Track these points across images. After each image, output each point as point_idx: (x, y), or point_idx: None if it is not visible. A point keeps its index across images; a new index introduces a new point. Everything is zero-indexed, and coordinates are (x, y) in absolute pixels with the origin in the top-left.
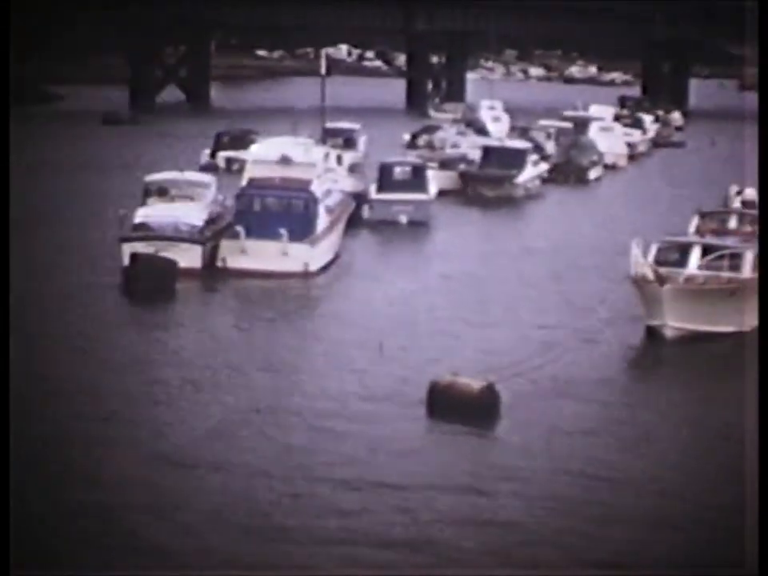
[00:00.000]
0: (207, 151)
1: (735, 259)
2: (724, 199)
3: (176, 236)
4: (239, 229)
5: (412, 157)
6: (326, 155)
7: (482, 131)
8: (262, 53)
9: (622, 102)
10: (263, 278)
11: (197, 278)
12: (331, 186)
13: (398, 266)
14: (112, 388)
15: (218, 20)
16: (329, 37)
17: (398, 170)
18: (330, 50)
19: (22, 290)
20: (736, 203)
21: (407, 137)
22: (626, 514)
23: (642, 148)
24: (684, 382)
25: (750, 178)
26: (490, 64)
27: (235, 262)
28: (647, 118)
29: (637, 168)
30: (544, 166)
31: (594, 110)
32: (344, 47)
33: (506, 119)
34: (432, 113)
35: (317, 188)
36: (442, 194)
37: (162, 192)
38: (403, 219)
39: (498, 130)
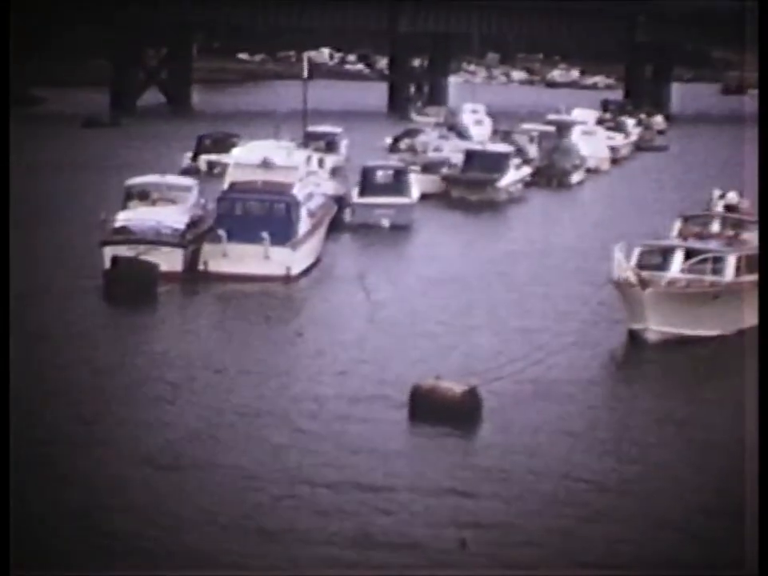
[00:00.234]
0: (189, 154)
1: (718, 263)
2: (707, 203)
3: (157, 239)
4: (221, 232)
5: (394, 160)
6: (308, 159)
7: (464, 135)
8: (243, 56)
9: (605, 105)
10: (245, 281)
11: (178, 281)
12: (313, 190)
13: (380, 269)
14: (93, 390)
15: (199, 23)
16: (311, 40)
17: (380, 173)
18: (312, 54)
19: None
20: (719, 207)
21: (389, 140)
22: (615, 515)
23: (624, 152)
24: (666, 385)
25: (750, 179)
26: (472, 67)
27: (217, 265)
28: (630, 122)
29: (619, 172)
30: (526, 170)
31: (577, 113)
32: (326, 50)
33: (488, 123)
34: (414, 116)
35: (298, 191)
36: (424, 197)
37: (143, 195)
38: (385, 223)
39: (481, 133)
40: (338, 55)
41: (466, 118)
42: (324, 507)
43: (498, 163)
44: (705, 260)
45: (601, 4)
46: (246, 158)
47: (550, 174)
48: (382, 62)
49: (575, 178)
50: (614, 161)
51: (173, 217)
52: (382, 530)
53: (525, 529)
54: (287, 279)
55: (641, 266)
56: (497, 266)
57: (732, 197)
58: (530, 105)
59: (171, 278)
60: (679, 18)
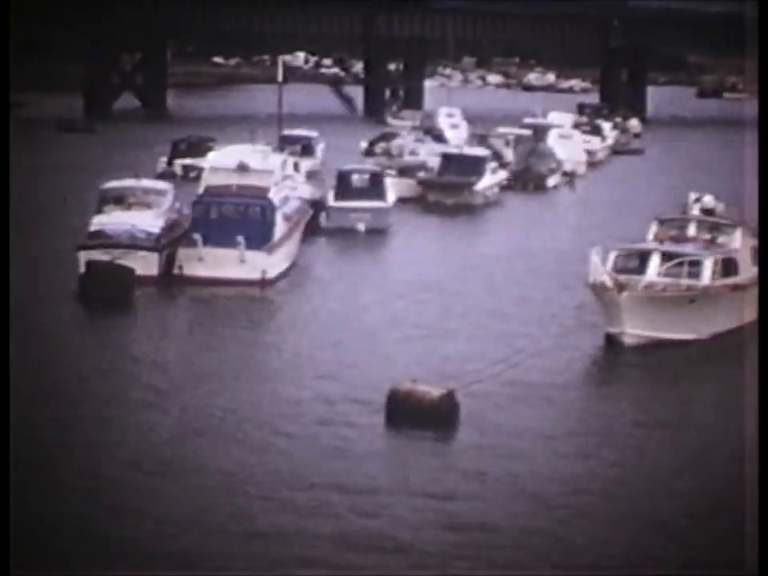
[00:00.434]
0: (164, 159)
1: (694, 266)
2: (683, 206)
3: (132, 243)
4: (196, 236)
5: (370, 164)
6: (284, 163)
7: (440, 138)
8: (218, 60)
9: (581, 109)
10: (220, 285)
11: (153, 285)
12: (289, 194)
13: (356, 273)
14: (69, 395)
15: (174, 27)
16: (286, 44)
17: (355, 177)
18: (287, 58)
19: None
20: (695, 210)
21: (365, 144)
22: (605, 517)
23: (601, 155)
24: (643, 387)
25: (750, 179)
26: (448, 71)
27: (192, 269)
28: (606, 125)
29: (596, 175)
30: (503, 174)
31: (553, 117)
32: (301, 54)
33: (464, 126)
34: (390, 120)
35: (274, 195)
36: (400, 201)
37: (118, 199)
38: (361, 227)
39: (457, 137)
40: (313, 59)
41: (442, 122)
42: (305, 509)
43: (474, 167)
44: (681, 263)
45: (576, 8)
46: (221, 162)
47: (527, 178)
48: (358, 66)
49: (551, 181)
50: (591, 164)
51: (148, 221)
52: (363, 531)
53: (506, 531)
54: (263, 283)
55: (617, 269)
56: (473, 270)
57: (708, 200)
58: (506, 108)
59: (147, 282)
60: (654, 22)
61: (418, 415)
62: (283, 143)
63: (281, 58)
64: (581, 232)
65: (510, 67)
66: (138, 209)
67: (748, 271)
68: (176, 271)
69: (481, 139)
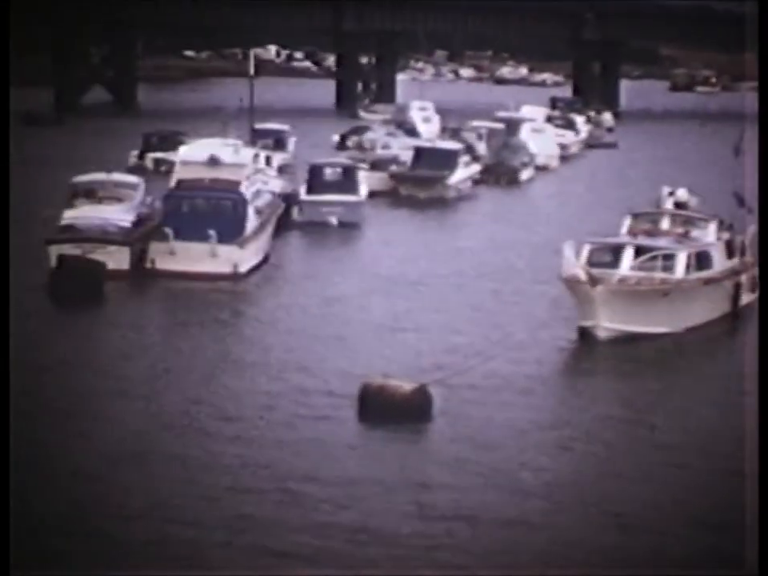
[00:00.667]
0: (135, 152)
1: (668, 260)
2: (656, 200)
3: (103, 237)
4: (168, 230)
5: (342, 158)
6: (256, 156)
7: (412, 132)
8: (189, 53)
9: (554, 102)
10: (192, 279)
11: (125, 279)
12: (261, 187)
13: (329, 267)
14: (39, 390)
15: (144, 20)
16: (257, 37)
17: (328, 171)
18: (259, 51)
19: None
20: (668, 204)
21: (337, 138)
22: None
23: (574, 149)
24: (617, 382)
25: (750, 177)
26: (420, 65)
27: (164, 263)
28: (579, 119)
29: (569, 169)
30: (475, 167)
31: (526, 110)
32: (273, 48)
33: (436, 120)
34: (362, 114)
35: (246, 189)
36: (373, 195)
37: (89, 193)
38: (333, 221)
39: (429, 130)
40: (284, 52)
41: (414, 116)
42: (280, 500)
43: (446, 160)
44: (655, 257)
45: (548, 2)
46: (192, 156)
47: (499, 172)
48: (330, 60)
49: (524, 175)
50: (564, 158)
51: (119, 215)
52: (339, 522)
53: (486, 522)
54: (235, 277)
55: (591, 263)
56: (447, 264)
57: (682, 194)
58: (478, 102)
59: (118, 276)
60: (626, 15)
61: (390, 409)
62: (255, 137)
63: (252, 52)
64: (554, 226)
65: (483, 61)
66: (109, 203)
67: (722, 265)
68: (147, 265)
69: (453, 133)
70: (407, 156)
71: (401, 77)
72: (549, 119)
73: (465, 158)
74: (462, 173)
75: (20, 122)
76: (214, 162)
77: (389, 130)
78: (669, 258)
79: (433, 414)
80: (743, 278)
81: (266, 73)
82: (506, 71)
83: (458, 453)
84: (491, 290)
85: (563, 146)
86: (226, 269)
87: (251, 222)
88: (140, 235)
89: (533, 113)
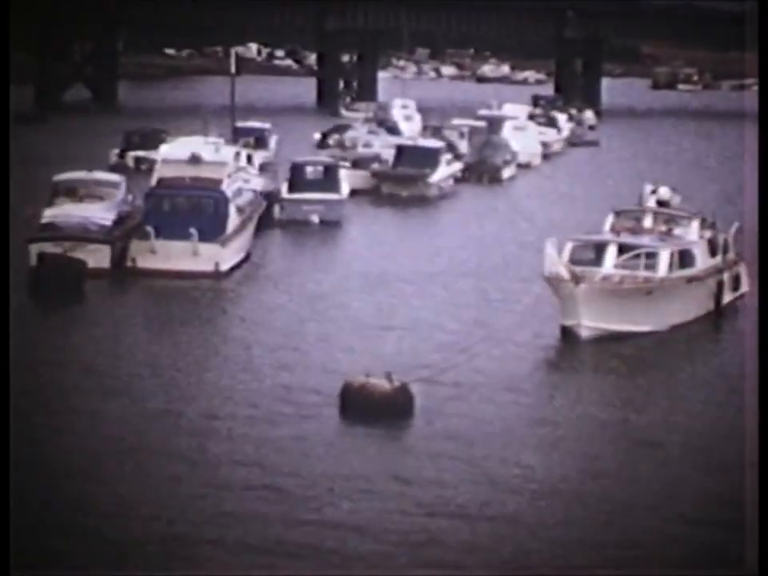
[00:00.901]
0: (116, 151)
1: (651, 258)
2: (639, 198)
3: (84, 236)
4: (149, 229)
5: (323, 156)
6: (237, 155)
7: (393, 130)
8: (170, 51)
9: (536, 100)
10: (173, 277)
11: (106, 278)
12: (242, 186)
13: (310, 265)
14: (19, 389)
15: (125, 17)
16: (238, 35)
17: (309, 169)
18: (240, 49)
19: None
20: (650, 202)
21: (318, 136)
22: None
23: (556, 147)
24: (599, 380)
25: (750, 176)
26: (401, 63)
27: (145, 262)
28: (561, 117)
29: (551, 167)
30: (457, 166)
31: (508, 108)
32: (254, 46)
33: (418, 118)
34: (343, 112)
35: (227, 187)
36: (354, 193)
37: (70, 191)
38: (315, 219)
39: (410, 129)
40: (266, 51)
41: (396, 114)
42: (250, 506)
43: (428, 159)
44: (638, 255)
45: (530, 0)
46: (174, 154)
47: (481, 170)
48: (311, 58)
49: (506, 173)
50: (546, 156)
51: (100, 213)
52: (322, 519)
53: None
54: (216, 275)
55: (573, 261)
56: (428, 262)
57: (664, 192)
58: (460, 100)
59: (99, 274)
60: (608, 13)
61: (371, 408)
62: (236, 135)
63: (233, 50)
64: (536, 223)
65: (464, 59)
66: (90, 201)
67: (704, 263)
68: (129, 264)
69: (435, 131)
70: (389, 154)
71: (382, 75)
72: (531, 117)
73: (447, 156)
74: (444, 171)
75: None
76: (195, 160)
77: (370, 129)
78: (651, 256)
79: (414, 412)
80: (726, 276)
81: (248, 71)
82: (487, 69)
83: (442, 449)
84: (473, 287)
85: (545, 144)
86: (207, 267)
87: (232, 220)
88: (121, 234)
89: (515, 111)
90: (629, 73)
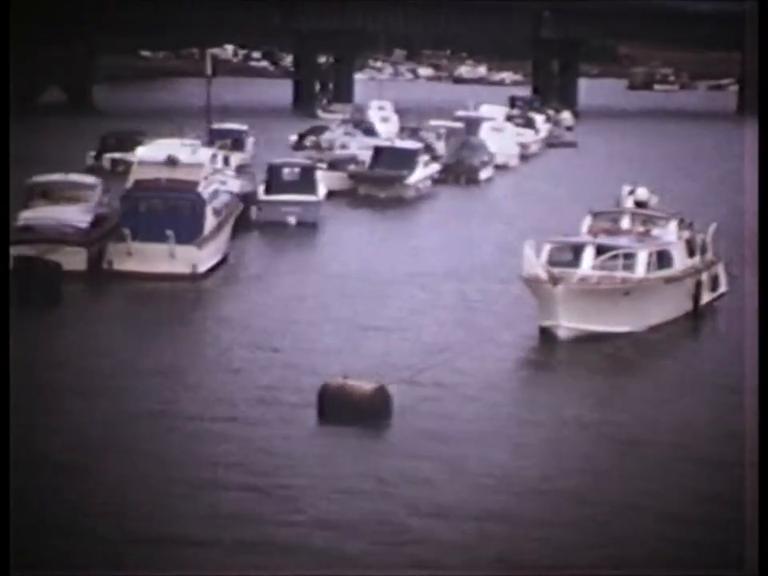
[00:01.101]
0: (92, 153)
1: (629, 259)
2: (616, 199)
3: (60, 238)
4: (125, 231)
5: (299, 158)
6: (213, 156)
7: (370, 132)
8: (146, 53)
9: (513, 101)
10: (150, 280)
11: (82, 280)
12: (218, 188)
13: (288, 267)
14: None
15: (99, 19)
16: (214, 37)
17: (286, 170)
18: (216, 51)
19: None
20: (628, 203)
21: (294, 137)
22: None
23: (534, 148)
24: (577, 380)
25: (750, 176)
26: (378, 64)
27: (122, 264)
28: (539, 118)
29: (528, 168)
30: (435, 167)
31: (486, 110)
32: (230, 48)
33: (395, 120)
34: (320, 113)
35: (204, 189)
36: (331, 194)
37: (46, 194)
38: (292, 220)
39: (387, 130)
40: (242, 52)
41: (373, 115)
42: (228, 508)
43: (406, 160)
44: (616, 256)
45: (506, 1)
46: (150, 156)
47: (459, 171)
48: (287, 60)
49: (483, 174)
50: (523, 157)
51: (76, 215)
52: (289, 528)
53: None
54: (193, 277)
55: (551, 262)
56: (406, 263)
57: (642, 192)
58: (437, 101)
59: (75, 277)
60: (585, 13)
61: (349, 409)
62: (213, 137)
63: (209, 51)
64: (514, 225)
65: (441, 60)
66: (66, 203)
67: (683, 263)
68: (105, 266)
69: (412, 132)
70: (365, 155)
71: (359, 76)
72: (508, 118)
73: (424, 158)
74: (422, 172)
75: None
76: (171, 162)
77: (347, 130)
78: (629, 256)
79: (393, 413)
80: (704, 276)
81: (223, 72)
82: (464, 70)
83: (422, 450)
84: (452, 288)
85: (523, 145)
86: (184, 269)
87: (209, 222)
88: (98, 236)
89: (492, 112)
90: (606, 73)
